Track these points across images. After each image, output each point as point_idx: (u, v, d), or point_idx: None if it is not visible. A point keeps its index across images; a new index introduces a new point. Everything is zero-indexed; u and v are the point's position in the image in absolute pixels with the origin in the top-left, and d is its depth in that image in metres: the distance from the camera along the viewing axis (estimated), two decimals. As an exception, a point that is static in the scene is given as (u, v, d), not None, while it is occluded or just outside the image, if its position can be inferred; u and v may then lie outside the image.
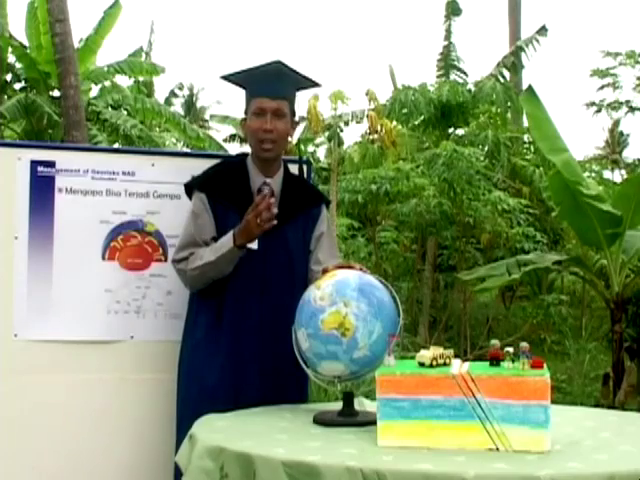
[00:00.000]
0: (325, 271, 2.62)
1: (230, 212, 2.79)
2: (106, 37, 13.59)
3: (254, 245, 2.76)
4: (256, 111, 2.80)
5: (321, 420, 2.42)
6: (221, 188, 2.83)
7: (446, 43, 12.34)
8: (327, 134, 8.80)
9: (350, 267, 2.58)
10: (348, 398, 2.49)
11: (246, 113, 2.87)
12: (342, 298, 2.39)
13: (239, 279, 2.76)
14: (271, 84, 2.81)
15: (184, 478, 2.27)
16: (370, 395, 2.50)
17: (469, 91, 10.75)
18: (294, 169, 3.21)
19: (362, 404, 2.60)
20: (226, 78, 2.93)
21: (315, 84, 2.98)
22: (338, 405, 2.56)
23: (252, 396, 2.71)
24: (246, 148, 3.08)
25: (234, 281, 2.77)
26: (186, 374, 2.84)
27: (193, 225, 2.81)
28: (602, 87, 19.25)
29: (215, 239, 2.79)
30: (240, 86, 2.93)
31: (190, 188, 2.90)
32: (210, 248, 2.76)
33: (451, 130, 10.88)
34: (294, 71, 2.88)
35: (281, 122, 2.81)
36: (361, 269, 2.56)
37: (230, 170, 2.89)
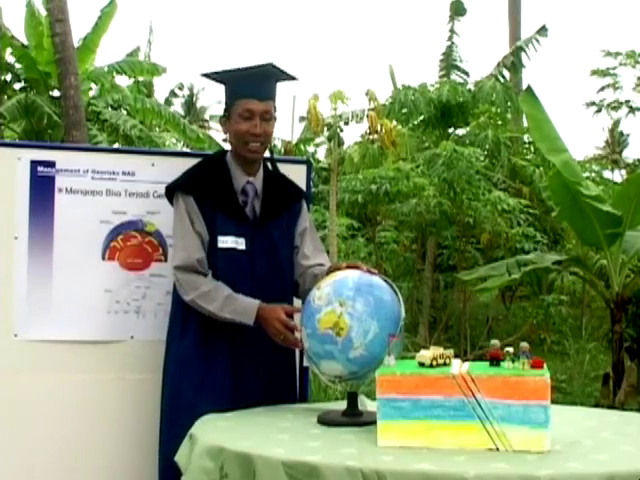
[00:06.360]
0: (330, 270, 2.64)
1: (217, 214, 2.77)
2: (103, 36, 13.56)
3: (242, 246, 2.75)
4: (244, 114, 2.76)
5: (325, 420, 2.42)
6: (206, 190, 2.79)
7: (449, 43, 12.32)
8: (327, 134, 8.77)
9: (356, 267, 2.58)
10: (352, 398, 2.49)
11: (227, 111, 2.82)
12: (338, 298, 2.40)
13: (231, 284, 2.73)
14: (260, 86, 2.78)
15: (184, 478, 2.27)
16: (370, 395, 2.50)
17: (469, 91, 10.75)
18: (295, 169, 3.22)
19: (363, 403, 2.60)
20: (207, 76, 2.89)
21: (293, 78, 2.92)
22: (340, 405, 2.56)
23: (251, 401, 2.69)
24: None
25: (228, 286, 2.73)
26: (177, 385, 2.78)
27: (192, 228, 2.75)
28: (602, 88, 19.25)
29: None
30: (221, 83, 2.88)
31: (173, 191, 2.84)
32: (229, 302, 2.68)
33: (451, 130, 10.87)
34: (281, 71, 2.84)
35: (269, 124, 2.79)
36: (368, 270, 2.56)
37: (212, 170, 2.85)
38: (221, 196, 2.79)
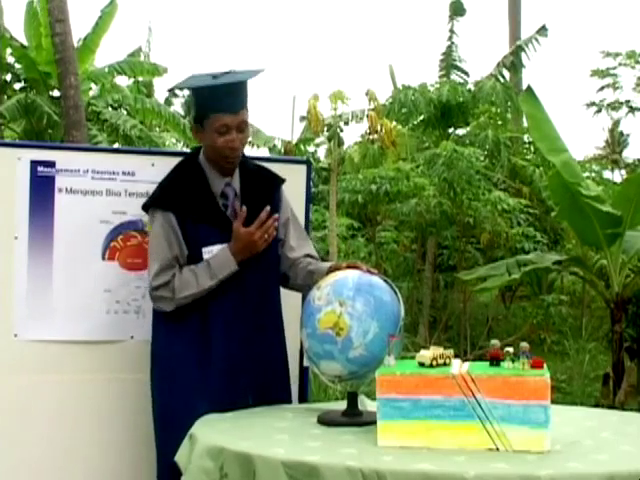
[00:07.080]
0: (330, 270, 2.64)
1: (199, 225, 2.73)
2: (103, 36, 13.56)
3: None
4: (220, 129, 2.69)
5: (325, 420, 2.42)
6: (185, 201, 2.74)
7: (449, 43, 12.32)
8: (327, 134, 8.79)
9: (356, 267, 2.58)
10: (352, 398, 2.49)
11: (199, 122, 2.74)
12: (338, 298, 2.41)
13: (222, 286, 2.72)
14: (234, 99, 2.72)
15: (184, 478, 2.27)
16: (370, 395, 2.51)
17: (469, 91, 10.75)
18: (295, 169, 3.21)
19: (363, 403, 2.60)
20: (177, 87, 2.85)
21: (261, 71, 2.83)
22: (340, 405, 2.56)
23: (245, 401, 2.69)
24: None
25: (217, 290, 2.72)
26: (169, 391, 2.76)
27: (167, 248, 2.72)
28: (602, 88, 19.26)
29: (190, 257, 2.72)
30: (191, 90, 2.82)
31: (150, 207, 2.80)
32: (201, 271, 2.69)
33: (451, 130, 10.87)
34: (249, 75, 2.78)
35: (244, 133, 2.75)
36: (368, 270, 2.55)
37: (187, 178, 2.79)
38: (201, 206, 2.74)
